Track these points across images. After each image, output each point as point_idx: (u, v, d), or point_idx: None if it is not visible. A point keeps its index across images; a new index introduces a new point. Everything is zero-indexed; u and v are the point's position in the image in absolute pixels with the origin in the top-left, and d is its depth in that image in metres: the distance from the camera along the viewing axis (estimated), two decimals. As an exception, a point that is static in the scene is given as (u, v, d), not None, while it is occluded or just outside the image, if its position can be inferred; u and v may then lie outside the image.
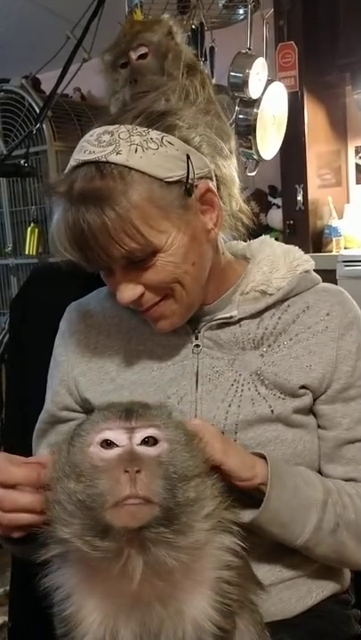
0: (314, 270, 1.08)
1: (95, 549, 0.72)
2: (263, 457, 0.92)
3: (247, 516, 0.90)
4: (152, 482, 0.71)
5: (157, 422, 0.77)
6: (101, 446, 0.75)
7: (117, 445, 0.75)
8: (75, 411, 1.07)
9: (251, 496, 0.91)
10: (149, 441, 0.75)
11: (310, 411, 1.02)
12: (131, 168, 0.86)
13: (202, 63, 2.11)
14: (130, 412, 0.77)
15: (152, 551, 0.73)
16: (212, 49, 2.26)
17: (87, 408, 1.05)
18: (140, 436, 0.75)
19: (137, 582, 0.73)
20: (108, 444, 0.75)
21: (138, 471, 0.71)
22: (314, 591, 1.01)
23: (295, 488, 0.92)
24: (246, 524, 0.88)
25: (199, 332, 1.02)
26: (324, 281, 1.08)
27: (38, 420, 1.10)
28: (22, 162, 2.21)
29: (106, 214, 0.85)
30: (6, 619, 1.27)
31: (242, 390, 0.98)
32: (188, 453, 0.77)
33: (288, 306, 1.02)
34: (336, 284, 1.08)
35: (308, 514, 0.93)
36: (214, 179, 0.97)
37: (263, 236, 1.13)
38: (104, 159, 0.87)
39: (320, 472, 1.03)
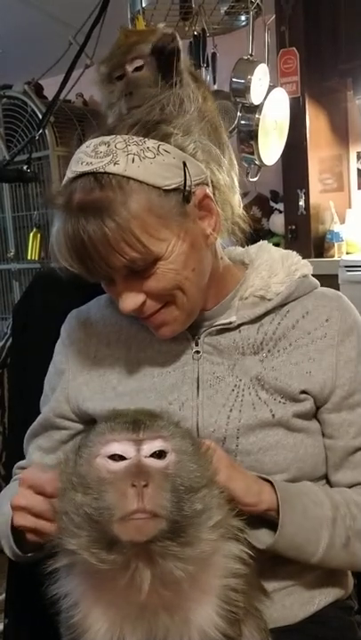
0: (316, 275, 1.08)
1: (102, 562, 0.72)
2: (270, 481, 0.93)
3: (262, 538, 0.91)
4: (159, 495, 0.71)
5: (165, 433, 0.77)
6: (109, 458, 0.75)
7: (125, 457, 0.74)
8: (69, 419, 1.07)
9: (261, 519, 0.92)
10: (157, 453, 0.75)
11: (313, 416, 1.02)
12: (129, 178, 0.86)
13: (203, 69, 2.12)
14: (137, 424, 0.77)
15: (160, 563, 0.72)
16: (213, 55, 2.28)
17: (83, 419, 1.06)
18: (147, 448, 0.75)
19: (145, 594, 0.73)
20: (115, 456, 0.75)
21: (145, 485, 0.71)
22: (316, 597, 1.01)
23: (304, 510, 0.93)
24: (262, 549, 0.90)
25: (199, 338, 1.02)
26: (326, 286, 1.09)
27: (34, 422, 1.11)
28: (25, 167, 2.22)
29: (106, 225, 0.85)
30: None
31: (242, 395, 0.98)
32: (196, 464, 0.77)
33: (287, 311, 1.03)
34: (338, 289, 1.08)
35: (320, 533, 0.93)
36: (210, 184, 0.97)
37: (261, 242, 1.13)
38: (102, 170, 0.87)
39: (328, 480, 1.03)
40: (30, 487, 0.84)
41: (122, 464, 0.74)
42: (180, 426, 0.81)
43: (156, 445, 0.75)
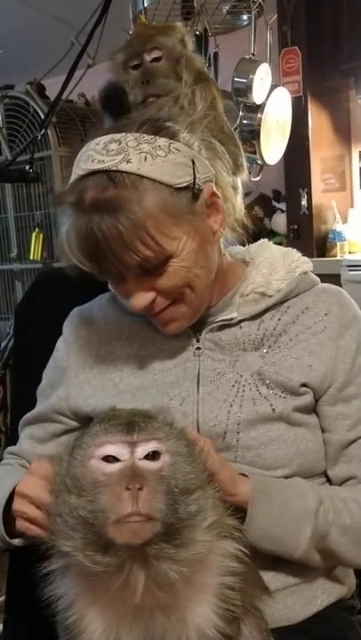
0: (319, 275, 1.08)
1: (96, 564, 0.72)
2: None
3: None
4: (154, 498, 0.71)
5: (159, 435, 0.77)
6: (103, 460, 0.75)
7: (119, 460, 0.74)
8: (66, 416, 1.08)
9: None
10: (151, 455, 0.75)
11: (313, 410, 1.02)
12: (142, 176, 0.87)
13: (206, 69, 2.12)
14: (131, 425, 0.77)
15: (154, 565, 0.73)
16: (215, 54, 2.27)
17: (80, 417, 1.06)
18: (142, 450, 0.75)
19: (139, 596, 0.73)
20: (109, 458, 0.74)
21: (140, 488, 0.71)
22: (319, 597, 1.01)
23: (284, 502, 0.93)
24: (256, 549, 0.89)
25: (200, 335, 1.03)
26: (328, 286, 1.09)
27: (31, 411, 1.11)
28: (27, 167, 2.22)
29: (121, 223, 0.86)
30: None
31: (243, 391, 0.99)
32: (190, 465, 0.77)
33: (288, 307, 1.03)
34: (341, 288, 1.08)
35: (301, 526, 0.93)
36: (214, 181, 0.98)
37: (262, 240, 1.14)
38: (115, 168, 0.87)
39: (326, 474, 1.03)
40: (41, 478, 0.84)
41: (116, 466, 0.74)
42: (174, 427, 0.81)
43: (151, 447, 0.75)
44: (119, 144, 0.88)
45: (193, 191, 0.91)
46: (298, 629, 0.98)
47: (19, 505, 0.87)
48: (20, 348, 1.40)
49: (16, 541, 0.92)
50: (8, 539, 0.93)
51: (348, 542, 0.95)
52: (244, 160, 1.31)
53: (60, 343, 1.12)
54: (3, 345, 2.91)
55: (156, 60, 1.35)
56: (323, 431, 1.02)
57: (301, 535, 0.93)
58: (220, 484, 0.86)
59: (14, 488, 0.90)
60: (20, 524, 0.88)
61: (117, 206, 0.86)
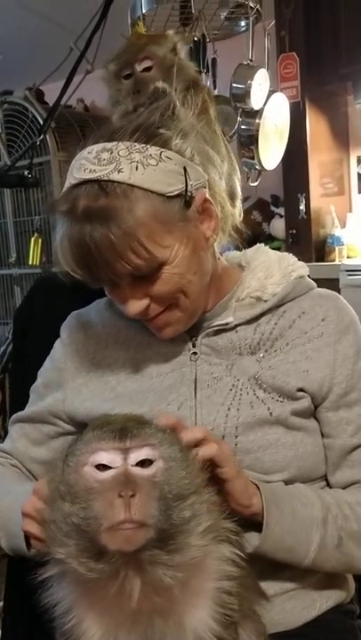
0: (317, 280, 1.09)
1: (90, 571, 0.72)
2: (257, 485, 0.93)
3: (251, 541, 0.91)
4: (147, 505, 0.71)
5: (152, 441, 0.76)
6: (96, 467, 0.75)
7: (112, 467, 0.74)
8: (61, 419, 1.08)
9: (251, 524, 0.92)
10: (144, 462, 0.75)
11: (311, 415, 1.02)
12: (134, 186, 0.87)
13: (204, 75, 2.13)
14: (124, 432, 0.76)
15: (149, 571, 0.72)
16: (214, 60, 2.28)
17: (75, 421, 1.06)
18: (134, 456, 0.75)
19: (135, 601, 0.73)
20: (102, 465, 0.74)
21: (132, 495, 0.71)
22: (318, 601, 1.01)
23: (293, 511, 0.93)
24: (251, 553, 0.89)
25: (196, 340, 1.03)
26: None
27: (26, 409, 1.11)
28: (26, 172, 2.23)
29: (112, 232, 0.86)
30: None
31: (240, 394, 0.99)
32: (184, 470, 0.76)
33: (284, 311, 1.04)
34: (339, 293, 1.09)
35: (310, 534, 0.93)
36: (207, 187, 0.98)
37: (258, 244, 1.14)
38: (106, 178, 0.87)
39: (326, 479, 1.04)
40: (41, 498, 0.83)
41: (109, 473, 0.73)
42: (168, 432, 0.81)
43: (143, 454, 0.75)
44: (110, 153, 0.89)
45: (185, 199, 0.91)
46: (297, 634, 0.98)
47: (25, 525, 0.87)
48: (18, 353, 1.40)
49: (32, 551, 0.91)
50: (27, 552, 0.92)
51: (355, 547, 0.96)
52: (238, 187, 1.30)
53: (58, 345, 1.13)
54: (2, 350, 2.91)
55: (147, 69, 1.36)
56: (324, 437, 1.02)
57: (311, 544, 0.93)
58: (233, 495, 0.87)
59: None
60: (33, 542, 0.88)
61: (109, 215, 0.86)
